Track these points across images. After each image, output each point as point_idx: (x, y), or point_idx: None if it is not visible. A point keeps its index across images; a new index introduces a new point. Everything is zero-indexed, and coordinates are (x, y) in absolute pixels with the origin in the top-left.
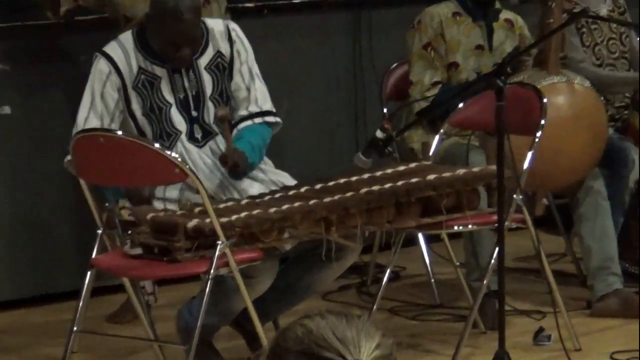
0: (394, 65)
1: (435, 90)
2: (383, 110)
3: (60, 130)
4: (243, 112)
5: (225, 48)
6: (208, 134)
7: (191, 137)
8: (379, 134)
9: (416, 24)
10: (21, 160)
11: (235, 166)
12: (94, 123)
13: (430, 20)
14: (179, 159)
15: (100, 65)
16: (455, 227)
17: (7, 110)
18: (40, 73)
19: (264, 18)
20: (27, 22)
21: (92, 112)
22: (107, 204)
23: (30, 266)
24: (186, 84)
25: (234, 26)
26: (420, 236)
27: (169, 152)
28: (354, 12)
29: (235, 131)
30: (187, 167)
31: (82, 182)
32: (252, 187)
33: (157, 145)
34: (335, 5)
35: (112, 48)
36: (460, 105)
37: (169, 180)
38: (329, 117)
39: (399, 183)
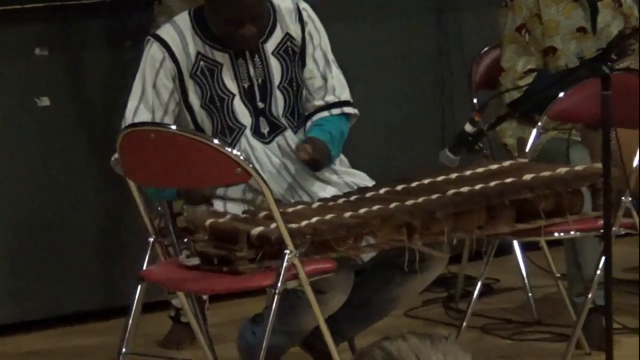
0: (485, 48)
1: (529, 79)
2: (473, 100)
3: (103, 123)
4: (319, 102)
5: (295, 30)
6: (276, 129)
7: (256, 132)
8: (468, 127)
9: (509, 2)
10: (56, 156)
11: (316, 159)
12: (144, 116)
13: None
14: (242, 157)
15: (153, 51)
16: (556, 234)
17: (46, 101)
18: (81, 59)
19: None
20: (65, 1)
21: (143, 104)
22: (159, 208)
23: (53, 280)
24: (251, 71)
25: (304, 5)
26: (516, 244)
27: (229, 149)
28: None
29: (309, 123)
30: (251, 166)
31: (130, 183)
32: (324, 191)
33: (216, 141)
34: None
35: (166, 31)
36: (561, 95)
37: (230, 181)
38: (411, 109)
39: (491, 184)
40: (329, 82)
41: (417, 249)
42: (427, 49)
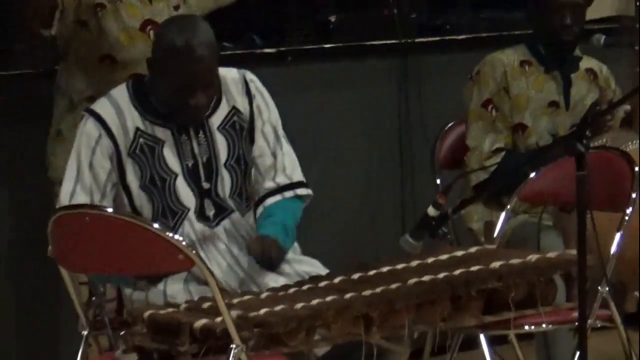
0: (450, 124)
1: (497, 159)
2: (436, 181)
3: (34, 205)
4: (270, 184)
5: (242, 103)
6: (222, 211)
7: (201, 215)
8: (431, 211)
9: (474, 75)
10: None
11: (268, 259)
12: (81, 199)
13: (492, 70)
14: (184, 242)
15: (88, 128)
16: (526, 327)
17: None
18: (12, 133)
19: (288, 67)
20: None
21: (79, 186)
22: (93, 298)
23: None
24: (195, 148)
25: (251, 76)
26: (483, 338)
27: (170, 234)
28: (400, 58)
29: (260, 208)
30: (194, 252)
31: (63, 271)
32: (275, 282)
33: (156, 225)
34: (377, 50)
35: (101, 105)
36: (532, 175)
37: (172, 268)
38: (369, 189)
39: (456, 272)
40: (279, 161)
41: (375, 343)
42: (388, 124)
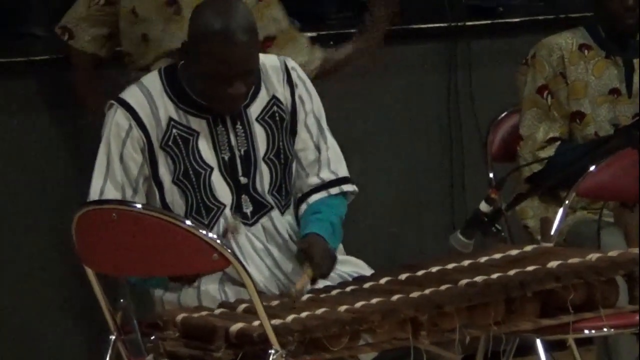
0: (503, 114)
1: (550, 149)
2: (489, 174)
3: (52, 202)
4: (314, 180)
5: (283, 93)
6: (261, 208)
7: (238, 212)
8: (483, 207)
9: (529, 60)
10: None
11: (320, 275)
12: (111, 196)
13: (548, 54)
14: (219, 241)
15: (118, 118)
16: (586, 331)
17: None
18: (24, 124)
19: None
20: (11, 57)
21: (110, 181)
22: (121, 300)
23: None
24: (233, 140)
25: (292, 64)
26: (539, 343)
27: (204, 232)
28: (449, 42)
29: (304, 205)
30: (230, 251)
31: (88, 271)
32: (314, 284)
33: (188, 222)
34: (424, 34)
35: (132, 94)
36: (591, 168)
37: (206, 269)
38: (417, 184)
39: (511, 272)
40: (323, 155)
41: (424, 349)
42: (436, 113)
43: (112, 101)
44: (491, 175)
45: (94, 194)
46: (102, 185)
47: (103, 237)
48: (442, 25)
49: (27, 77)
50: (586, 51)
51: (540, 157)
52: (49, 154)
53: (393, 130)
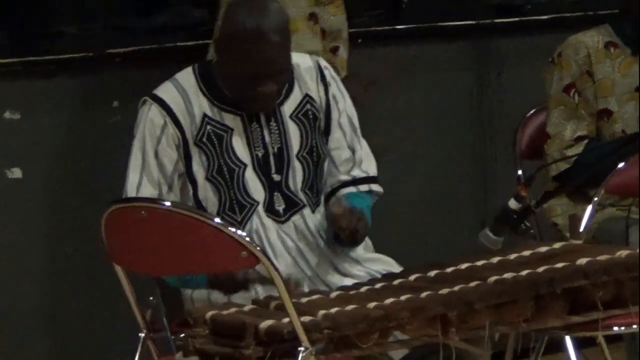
0: (532, 111)
1: (578, 148)
2: (518, 172)
3: (84, 199)
4: (344, 177)
5: (316, 91)
6: (293, 206)
7: (270, 210)
8: (512, 204)
9: (556, 58)
10: (32, 237)
11: (354, 231)
12: (148, 192)
13: (574, 53)
14: (247, 238)
15: (153, 115)
16: (615, 328)
17: (17, 173)
18: (58, 124)
19: (357, 49)
20: (42, 56)
21: (146, 178)
22: (151, 298)
23: None
24: (267, 137)
25: (325, 63)
26: (568, 340)
27: (233, 230)
28: (477, 40)
29: (333, 199)
30: (259, 249)
31: (118, 269)
32: (344, 283)
33: (217, 219)
34: (452, 31)
35: (166, 91)
36: (620, 165)
37: (234, 266)
38: (446, 182)
39: (540, 269)
40: (357, 154)
41: (454, 346)
42: (465, 112)
43: (146, 97)
44: (520, 172)
45: (131, 189)
46: (139, 180)
47: (132, 235)
48: (470, 23)
49: (57, 75)
50: (612, 49)
51: (568, 156)
52: (79, 152)
53: (422, 128)
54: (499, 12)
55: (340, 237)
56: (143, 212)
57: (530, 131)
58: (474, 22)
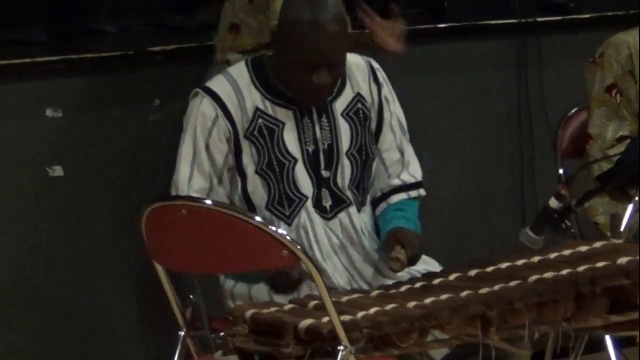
0: (573, 110)
1: (620, 148)
2: (558, 171)
3: (125, 197)
4: (395, 181)
5: (368, 91)
6: (340, 203)
7: (317, 205)
8: (553, 203)
9: (597, 58)
10: (73, 236)
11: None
12: (199, 184)
13: (616, 52)
14: (288, 237)
15: (205, 107)
16: None
17: (58, 171)
18: (100, 122)
19: None
20: (82, 54)
21: (197, 170)
22: (191, 296)
23: None
24: (318, 133)
25: (377, 65)
26: (609, 339)
27: (273, 228)
28: (519, 38)
29: (384, 204)
30: (299, 247)
31: (158, 267)
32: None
33: (258, 218)
34: (494, 30)
35: (219, 84)
36: None
37: (275, 265)
38: (486, 180)
39: (580, 268)
40: (406, 157)
41: (493, 345)
42: (505, 110)
43: (198, 90)
44: (561, 171)
45: (182, 182)
46: (190, 172)
47: (172, 234)
48: (512, 21)
49: (98, 73)
50: None
51: (610, 155)
52: (120, 150)
53: (463, 126)
54: (541, 10)
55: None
56: (184, 210)
57: (571, 130)
58: (515, 20)
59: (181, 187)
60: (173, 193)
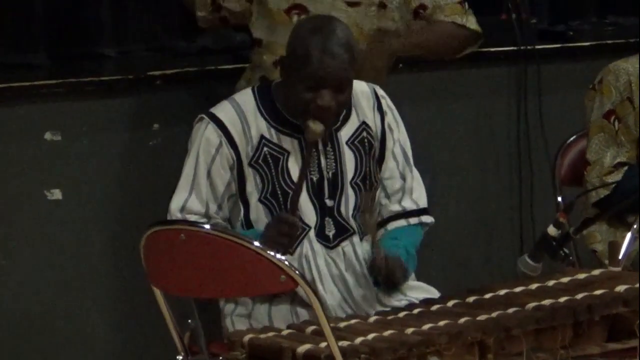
0: (572, 138)
1: (618, 175)
2: (557, 198)
3: (123, 221)
4: (395, 207)
5: (372, 119)
6: (343, 232)
7: (320, 235)
8: (551, 230)
9: (596, 85)
10: (70, 260)
11: (391, 275)
12: (194, 209)
13: (615, 79)
14: (287, 262)
15: (209, 134)
16: None
17: (57, 194)
18: (98, 146)
19: (398, 75)
20: (82, 78)
21: (195, 195)
22: (189, 321)
23: None
24: (323, 162)
25: (382, 92)
26: None
27: (272, 253)
28: (519, 66)
29: (382, 230)
30: (297, 273)
31: (156, 291)
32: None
33: (256, 243)
34: (494, 57)
35: (224, 110)
36: None
37: (274, 290)
38: (484, 207)
39: (579, 296)
40: (408, 184)
41: None
42: (504, 138)
43: (203, 115)
44: (559, 199)
45: (175, 207)
46: (186, 198)
47: (171, 258)
48: (512, 48)
49: (98, 97)
50: None
51: (608, 182)
52: (119, 174)
53: (462, 153)
54: (541, 38)
55: (378, 280)
56: (182, 235)
57: (570, 157)
58: (516, 47)
59: (173, 211)
60: (168, 217)
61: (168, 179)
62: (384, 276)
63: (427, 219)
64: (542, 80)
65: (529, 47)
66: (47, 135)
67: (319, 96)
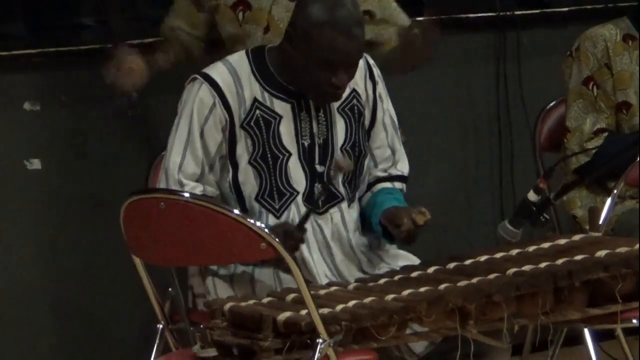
0: (551, 104)
1: (598, 141)
2: (537, 164)
3: (103, 190)
4: (381, 173)
5: (363, 88)
6: (333, 198)
7: (309, 200)
8: (531, 196)
9: (574, 51)
10: (50, 229)
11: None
12: (191, 170)
13: (592, 46)
14: (267, 230)
15: (203, 94)
16: (634, 321)
17: (36, 164)
18: (78, 116)
19: None
20: (61, 47)
21: (190, 155)
22: (169, 289)
23: None
24: (314, 127)
25: (372, 61)
26: (587, 332)
27: (251, 221)
28: (498, 32)
29: (369, 193)
30: (277, 241)
31: (137, 260)
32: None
33: (236, 211)
34: (472, 24)
35: (218, 72)
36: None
37: (253, 258)
38: (464, 174)
39: (559, 262)
40: (397, 155)
41: (472, 338)
42: (484, 103)
43: (196, 75)
44: (539, 164)
45: (173, 167)
46: (182, 159)
47: (151, 227)
48: (491, 15)
49: (76, 67)
50: (630, 41)
51: (588, 148)
52: (98, 144)
53: (441, 120)
54: (520, 4)
55: (395, 235)
56: (162, 203)
57: (549, 124)
58: (494, 13)
59: (172, 172)
60: (163, 178)
61: (147, 149)
62: (412, 233)
63: (404, 187)
64: (521, 46)
65: (508, 13)
66: (26, 105)
67: (335, 76)
